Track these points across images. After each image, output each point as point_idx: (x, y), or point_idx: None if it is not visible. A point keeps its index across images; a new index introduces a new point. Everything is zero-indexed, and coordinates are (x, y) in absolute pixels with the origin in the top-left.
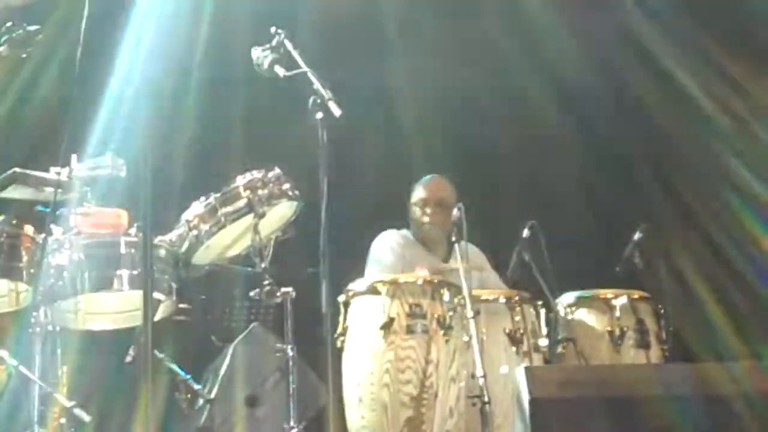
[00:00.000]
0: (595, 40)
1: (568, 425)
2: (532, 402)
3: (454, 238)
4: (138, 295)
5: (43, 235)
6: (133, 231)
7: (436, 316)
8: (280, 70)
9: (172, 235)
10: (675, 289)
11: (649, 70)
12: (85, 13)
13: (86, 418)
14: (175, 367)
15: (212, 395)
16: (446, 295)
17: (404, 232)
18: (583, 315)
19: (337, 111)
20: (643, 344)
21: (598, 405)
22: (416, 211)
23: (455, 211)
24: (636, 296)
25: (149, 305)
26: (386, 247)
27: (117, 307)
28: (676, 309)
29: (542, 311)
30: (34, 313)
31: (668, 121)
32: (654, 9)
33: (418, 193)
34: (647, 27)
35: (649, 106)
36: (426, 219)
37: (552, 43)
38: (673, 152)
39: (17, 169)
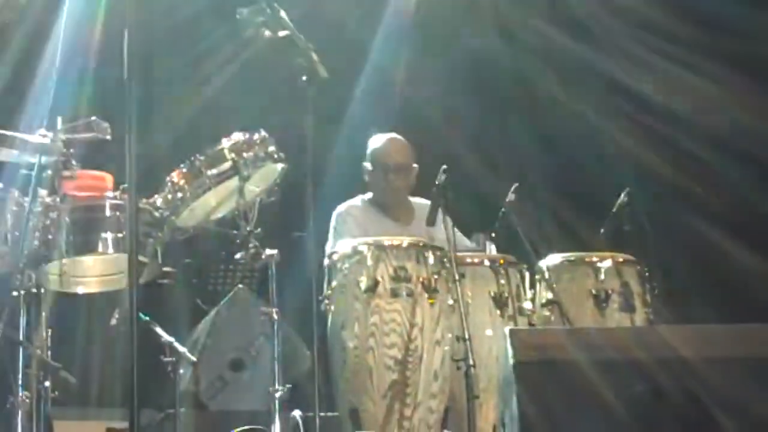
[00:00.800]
0: None
1: (553, 388)
2: (516, 365)
3: (440, 201)
4: (122, 258)
5: (27, 198)
6: (117, 194)
7: (420, 279)
8: (266, 32)
9: (157, 198)
10: (660, 252)
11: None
12: None
13: (71, 380)
14: (159, 329)
15: (197, 358)
16: (431, 258)
17: (360, 199)
18: (568, 278)
19: (323, 73)
20: (628, 307)
21: (583, 368)
22: (375, 176)
23: (441, 174)
24: (621, 259)
25: (134, 268)
26: (345, 219)
27: (101, 270)
28: (661, 272)
29: (527, 274)
30: (18, 276)
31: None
32: None
33: (377, 156)
34: None
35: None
36: (387, 186)
37: None
38: (662, 113)
39: (1, 131)
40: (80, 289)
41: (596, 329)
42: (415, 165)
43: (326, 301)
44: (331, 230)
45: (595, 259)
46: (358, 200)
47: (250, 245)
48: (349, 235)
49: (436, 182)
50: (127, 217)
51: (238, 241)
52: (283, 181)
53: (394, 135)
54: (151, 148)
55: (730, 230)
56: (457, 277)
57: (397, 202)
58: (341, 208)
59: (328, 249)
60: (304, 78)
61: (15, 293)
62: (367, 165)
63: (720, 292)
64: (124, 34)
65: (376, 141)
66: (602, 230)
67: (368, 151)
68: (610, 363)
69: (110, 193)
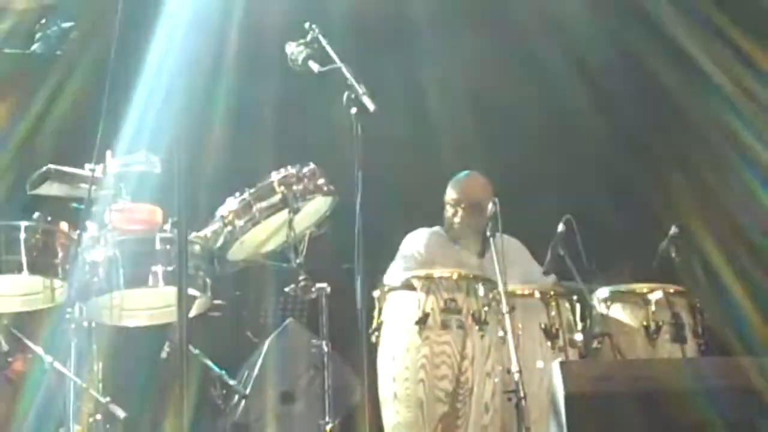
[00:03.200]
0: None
1: (604, 420)
2: (567, 397)
3: (489, 233)
4: (172, 291)
5: (77, 232)
6: (167, 227)
7: (471, 311)
8: (314, 66)
9: (207, 231)
10: (710, 284)
11: (684, 63)
12: (119, 9)
13: (121, 413)
14: (209, 362)
15: (247, 391)
16: (481, 290)
17: (437, 229)
18: (619, 310)
19: (371, 106)
20: (679, 338)
21: (634, 400)
22: (449, 210)
23: (490, 206)
24: (671, 290)
25: (184, 301)
26: (413, 246)
27: (152, 303)
28: (711, 304)
29: (578, 306)
30: (69, 310)
31: (699, 114)
32: None
33: (451, 192)
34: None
35: (683, 104)
36: (457, 220)
37: (582, 41)
38: (708, 149)
39: (51, 166)
40: (131, 322)
41: (647, 360)
42: (493, 201)
43: (376, 333)
44: (398, 255)
45: (645, 290)
46: (435, 228)
47: (300, 278)
48: (414, 259)
49: (487, 214)
50: (177, 251)
51: (287, 274)
52: (332, 214)
53: (471, 171)
54: (201, 181)
55: None
56: (506, 310)
57: (468, 238)
58: (415, 233)
59: (389, 272)
60: (353, 111)
61: (65, 327)
62: (444, 201)
63: None
64: (172, 66)
65: (455, 178)
66: (653, 262)
67: (447, 189)
68: (662, 394)
69: (160, 227)
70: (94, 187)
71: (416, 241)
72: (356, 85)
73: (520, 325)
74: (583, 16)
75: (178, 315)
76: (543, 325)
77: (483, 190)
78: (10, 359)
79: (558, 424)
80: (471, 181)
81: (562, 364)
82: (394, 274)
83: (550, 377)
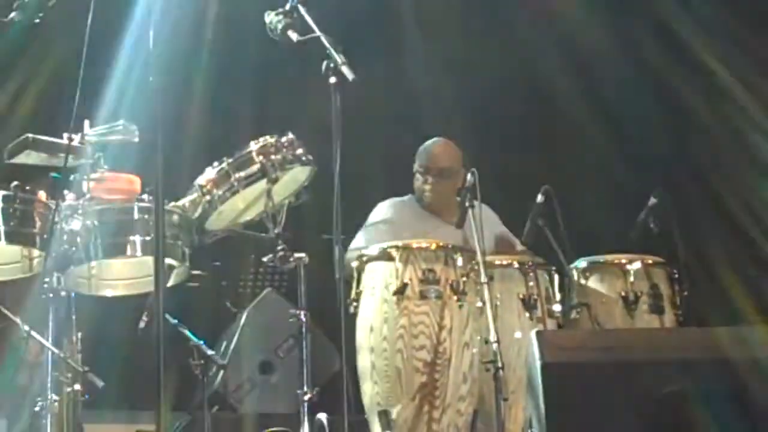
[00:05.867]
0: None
1: (581, 390)
2: (544, 367)
3: (467, 204)
4: (151, 261)
5: (55, 201)
6: (145, 197)
7: (449, 281)
8: (293, 35)
9: (185, 201)
10: (689, 254)
11: (666, 34)
12: None
13: (99, 383)
14: (188, 332)
15: (226, 361)
16: (459, 261)
17: (408, 198)
18: (597, 280)
19: (350, 75)
20: (657, 309)
21: (611, 369)
22: (419, 178)
23: (469, 176)
24: (650, 261)
25: (161, 271)
26: (384, 215)
27: (130, 273)
28: (690, 274)
29: (556, 276)
30: (47, 279)
31: (686, 88)
32: None
33: (421, 159)
34: None
35: (665, 73)
36: (427, 188)
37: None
38: (691, 119)
39: (30, 135)
40: (109, 292)
41: (624, 330)
42: (463, 169)
43: (354, 304)
44: (367, 222)
45: (624, 261)
46: (406, 197)
47: (279, 248)
48: (381, 228)
49: (465, 185)
50: (154, 220)
51: (266, 243)
52: (311, 184)
53: (441, 139)
54: (179, 150)
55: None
56: (485, 280)
57: (440, 206)
58: (385, 203)
59: (354, 243)
60: (331, 79)
61: (43, 296)
62: (414, 167)
63: (749, 293)
64: (150, 34)
65: (424, 145)
66: (631, 232)
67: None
68: (639, 365)
69: (139, 196)
70: (72, 156)
71: (387, 210)
72: (335, 55)
73: (498, 296)
74: None
75: (156, 285)
76: (521, 296)
77: (451, 156)
78: None
79: (534, 394)
80: (439, 148)
81: (538, 333)
82: (358, 243)
83: (528, 347)
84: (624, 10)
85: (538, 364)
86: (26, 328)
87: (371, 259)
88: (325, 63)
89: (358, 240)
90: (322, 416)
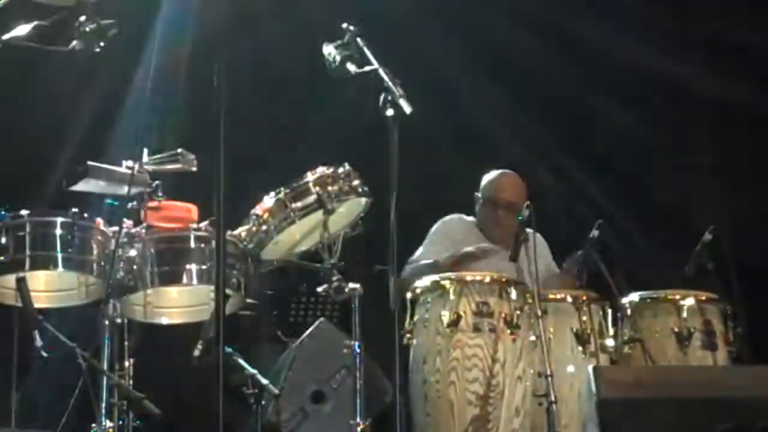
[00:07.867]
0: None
1: (637, 426)
2: (601, 402)
3: (522, 237)
4: (206, 289)
5: (113, 229)
6: (202, 225)
7: (503, 314)
8: (351, 67)
9: (242, 230)
10: (744, 291)
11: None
12: (161, 9)
13: (154, 411)
14: (242, 362)
15: (279, 391)
16: (513, 294)
17: (470, 219)
18: (650, 316)
19: (408, 108)
20: (710, 346)
21: (667, 406)
22: (484, 210)
23: (525, 211)
24: (703, 298)
25: (222, 300)
26: (441, 231)
27: (185, 302)
28: (744, 311)
29: (609, 311)
30: (103, 306)
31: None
32: None
33: (489, 191)
34: None
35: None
36: (496, 221)
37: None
38: (744, 150)
39: (89, 162)
40: (164, 320)
41: (680, 367)
42: (527, 205)
43: (408, 335)
44: (427, 237)
45: (677, 297)
46: (469, 219)
47: (333, 278)
48: (445, 243)
49: (520, 218)
50: (213, 249)
51: (321, 274)
52: (367, 215)
53: (507, 171)
54: (236, 180)
55: None
56: (539, 313)
57: (503, 239)
58: (454, 216)
59: (415, 255)
60: (389, 113)
61: (103, 322)
62: (478, 195)
63: None
64: (214, 65)
65: (490, 175)
66: (686, 268)
67: (481, 184)
68: (694, 401)
69: (195, 225)
70: (130, 185)
71: (456, 226)
72: (393, 87)
73: (551, 329)
74: None
75: (216, 313)
76: (574, 330)
77: (519, 190)
78: None
79: (590, 429)
80: (510, 183)
81: (595, 369)
82: (423, 256)
83: (582, 382)
84: None
85: (594, 399)
86: (84, 354)
87: (425, 291)
88: (382, 96)
89: (423, 253)
90: None
